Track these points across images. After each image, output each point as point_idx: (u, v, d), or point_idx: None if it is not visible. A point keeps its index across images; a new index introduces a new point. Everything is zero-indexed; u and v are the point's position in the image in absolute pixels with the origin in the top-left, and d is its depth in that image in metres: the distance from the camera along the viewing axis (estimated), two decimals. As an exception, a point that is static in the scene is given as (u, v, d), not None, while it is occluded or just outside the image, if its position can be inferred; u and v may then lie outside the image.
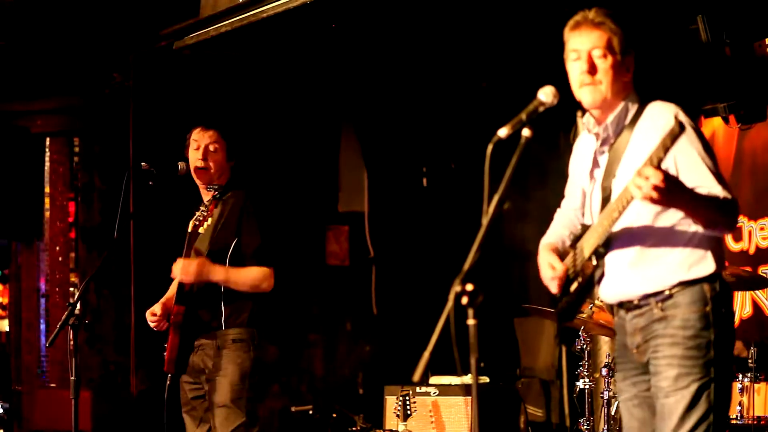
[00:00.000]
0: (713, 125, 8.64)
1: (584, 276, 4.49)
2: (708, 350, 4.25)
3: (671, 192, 3.99)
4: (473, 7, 8.08)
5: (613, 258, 4.44)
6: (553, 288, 4.56)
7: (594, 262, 4.44)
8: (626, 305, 4.48)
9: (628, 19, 4.45)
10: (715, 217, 4.21)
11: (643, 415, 4.49)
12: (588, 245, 4.47)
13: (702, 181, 4.22)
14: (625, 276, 4.42)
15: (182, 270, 6.27)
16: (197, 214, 6.33)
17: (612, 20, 4.42)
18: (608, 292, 4.51)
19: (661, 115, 4.33)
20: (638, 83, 4.51)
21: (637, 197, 4.03)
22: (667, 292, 4.32)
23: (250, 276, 6.36)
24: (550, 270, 4.55)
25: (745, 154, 8.50)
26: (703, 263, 4.31)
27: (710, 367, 4.25)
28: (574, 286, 4.51)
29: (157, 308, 6.53)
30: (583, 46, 4.42)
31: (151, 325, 6.50)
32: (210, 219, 6.30)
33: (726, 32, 7.87)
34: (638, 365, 4.47)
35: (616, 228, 4.38)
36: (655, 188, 3.94)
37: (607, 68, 4.40)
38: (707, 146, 4.32)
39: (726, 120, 8.50)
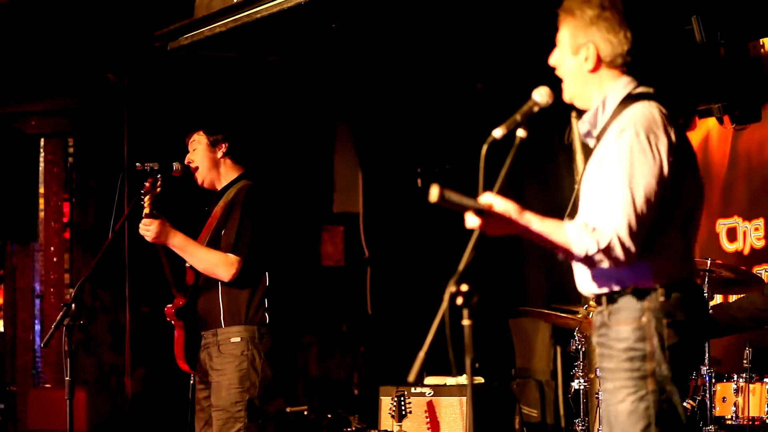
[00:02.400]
0: (708, 126, 8.64)
1: None
2: (643, 363, 4.04)
3: (499, 229, 3.88)
4: (467, 7, 8.08)
5: None
6: None
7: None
8: (592, 298, 4.35)
9: (595, 8, 4.18)
10: (564, 252, 3.99)
11: None
12: None
13: (599, 205, 4.02)
14: (583, 270, 4.25)
15: (141, 230, 6.25)
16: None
17: (575, 8, 4.21)
18: (576, 282, 4.35)
19: (616, 126, 4.11)
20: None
21: None
22: (614, 296, 4.13)
23: (208, 256, 6.32)
24: None
25: (740, 154, 8.50)
26: (643, 276, 4.07)
27: (647, 380, 4.04)
28: None
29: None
30: (557, 38, 4.31)
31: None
32: (149, 198, 6.26)
33: (720, 33, 7.87)
34: None
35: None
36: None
37: (563, 62, 4.28)
38: (639, 165, 3.98)
39: (720, 121, 8.50)
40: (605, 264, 3.97)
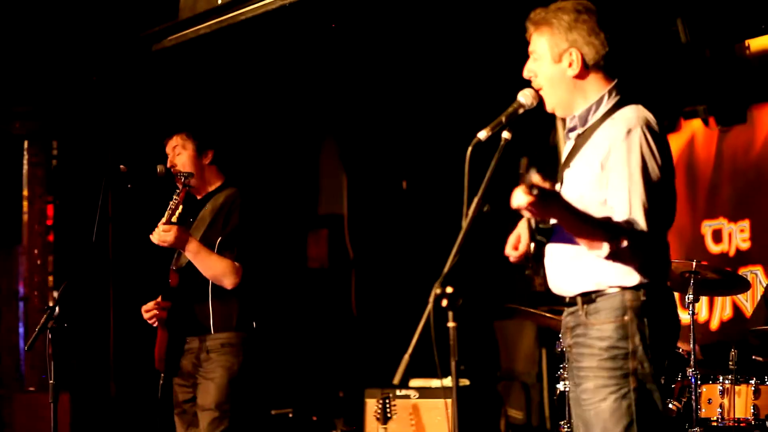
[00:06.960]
0: (693, 127, 8.65)
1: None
2: (626, 361, 4.08)
3: (544, 209, 3.86)
4: (449, 11, 8.09)
5: (551, 250, 4.33)
6: (511, 258, 4.47)
7: (532, 249, 4.35)
8: (563, 299, 4.37)
9: (571, 13, 4.21)
10: (593, 241, 4.02)
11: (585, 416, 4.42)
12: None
13: (613, 198, 4.05)
14: (559, 270, 4.30)
15: (159, 236, 6.24)
16: (170, 204, 6.28)
17: (550, 17, 4.22)
18: (549, 283, 4.40)
19: (619, 125, 4.13)
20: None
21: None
22: (591, 296, 4.17)
23: (217, 264, 6.29)
24: (512, 245, 4.46)
25: (725, 156, 8.51)
26: (629, 274, 4.11)
27: (629, 378, 4.09)
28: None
29: (150, 304, 6.51)
30: (530, 49, 4.30)
31: (146, 317, 6.47)
32: (180, 209, 6.23)
33: (706, 34, 7.88)
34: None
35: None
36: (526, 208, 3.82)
37: (543, 72, 4.25)
38: (650, 161, 4.06)
39: (706, 122, 8.51)
40: (624, 250, 4.02)
